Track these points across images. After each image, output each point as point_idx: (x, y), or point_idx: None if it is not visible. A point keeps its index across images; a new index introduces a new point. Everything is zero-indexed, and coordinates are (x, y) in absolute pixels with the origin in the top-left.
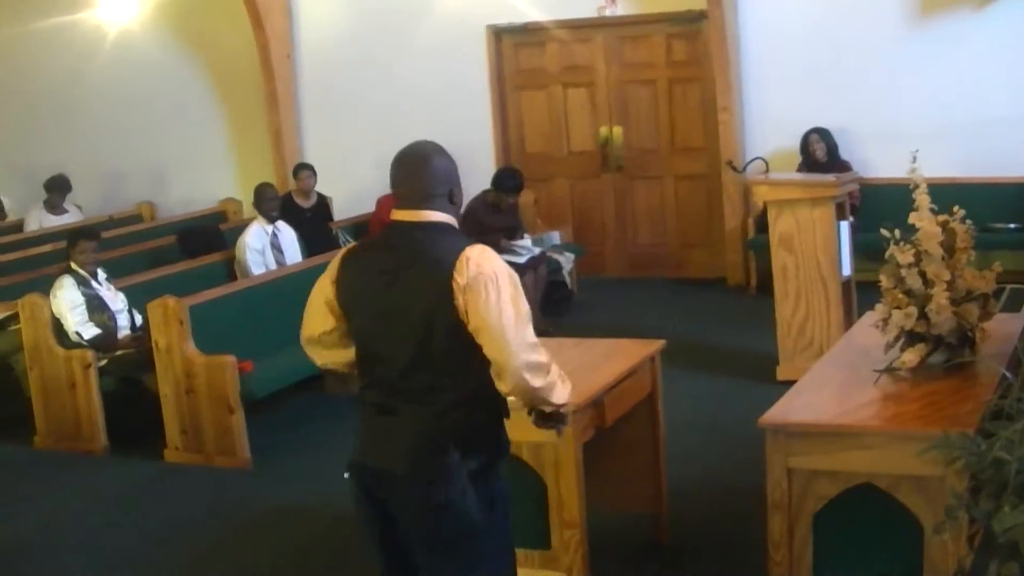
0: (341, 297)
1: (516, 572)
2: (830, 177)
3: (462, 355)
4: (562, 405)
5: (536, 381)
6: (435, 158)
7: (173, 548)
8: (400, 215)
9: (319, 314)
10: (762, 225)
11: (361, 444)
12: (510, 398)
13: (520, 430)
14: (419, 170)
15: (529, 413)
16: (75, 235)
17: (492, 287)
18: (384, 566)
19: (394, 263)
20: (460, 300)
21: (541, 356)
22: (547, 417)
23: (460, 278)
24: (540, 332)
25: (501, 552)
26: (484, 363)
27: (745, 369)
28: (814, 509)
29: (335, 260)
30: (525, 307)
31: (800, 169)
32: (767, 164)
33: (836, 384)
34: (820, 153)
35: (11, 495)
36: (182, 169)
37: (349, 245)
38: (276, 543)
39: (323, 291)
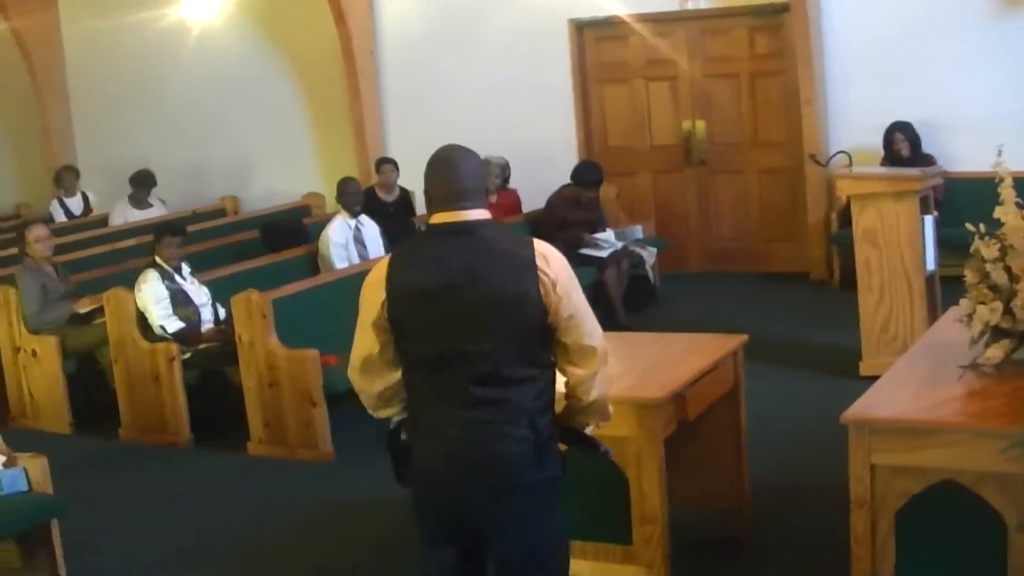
0: (394, 313)
1: None
2: (914, 171)
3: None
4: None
5: (611, 369)
6: (468, 158)
7: (255, 540)
8: (442, 217)
9: (370, 334)
10: (845, 219)
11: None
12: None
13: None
14: (454, 170)
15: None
16: (160, 230)
17: (572, 277)
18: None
19: (461, 263)
20: (550, 292)
21: None
22: (589, 442)
23: (548, 270)
24: (622, 327)
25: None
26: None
27: (828, 364)
28: (897, 506)
29: (379, 277)
30: None
31: (883, 163)
32: (850, 158)
33: (920, 380)
34: (903, 148)
35: (96, 486)
36: (265, 163)
37: (385, 258)
38: (357, 536)
39: (370, 311)
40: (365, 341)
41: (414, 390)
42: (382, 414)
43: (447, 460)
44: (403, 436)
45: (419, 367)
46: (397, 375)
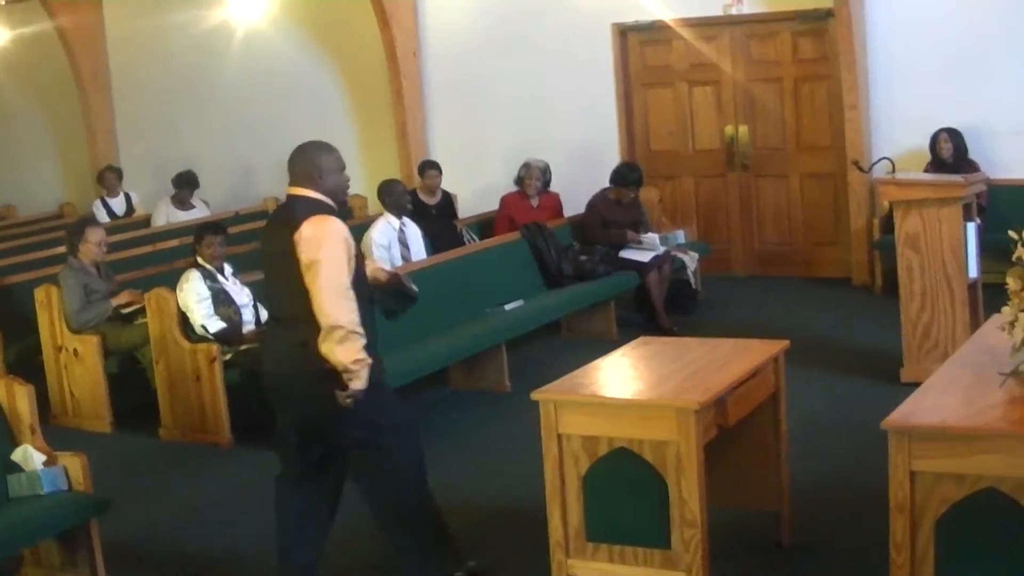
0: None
1: None
2: (957, 177)
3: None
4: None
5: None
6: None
7: None
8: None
9: None
10: (888, 225)
11: None
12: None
13: (641, 428)
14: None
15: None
16: (201, 230)
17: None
18: None
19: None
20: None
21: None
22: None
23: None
24: (664, 331)
25: None
26: None
27: (869, 370)
28: (937, 513)
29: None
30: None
31: (927, 169)
32: (893, 164)
33: (962, 386)
34: (947, 153)
35: (137, 485)
36: None
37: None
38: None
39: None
40: None
41: None
42: None
43: None
44: None
45: None
46: None
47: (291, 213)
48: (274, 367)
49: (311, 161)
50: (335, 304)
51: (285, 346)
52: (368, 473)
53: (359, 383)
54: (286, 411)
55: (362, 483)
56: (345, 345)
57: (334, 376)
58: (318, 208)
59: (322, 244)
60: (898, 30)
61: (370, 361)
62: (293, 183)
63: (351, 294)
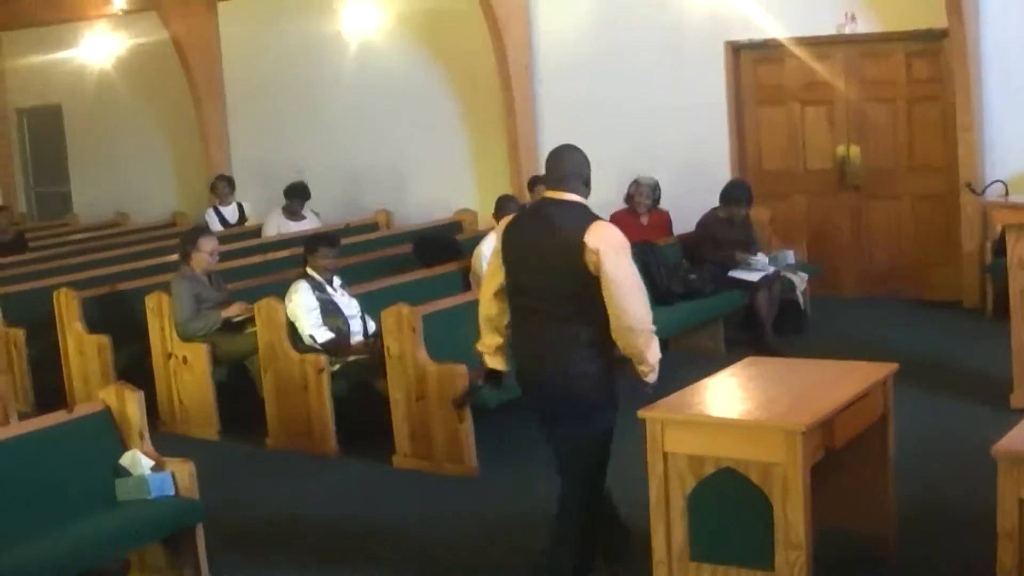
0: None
1: None
2: None
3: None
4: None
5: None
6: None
7: (399, 551)
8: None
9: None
10: (1000, 248)
11: None
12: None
13: (748, 449)
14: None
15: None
16: (315, 241)
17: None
18: None
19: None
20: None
21: None
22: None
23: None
24: (772, 351)
25: None
26: None
27: (979, 394)
28: None
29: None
30: None
31: None
32: (1007, 187)
33: None
34: None
35: (244, 493)
36: (420, 177)
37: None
38: (498, 551)
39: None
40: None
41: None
42: None
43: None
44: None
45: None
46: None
47: (570, 216)
48: (537, 362)
49: (581, 168)
50: (640, 306)
51: (559, 342)
52: (570, 461)
53: (654, 377)
54: (537, 390)
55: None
56: (652, 346)
57: (600, 374)
58: (592, 214)
59: (619, 250)
60: (1013, 51)
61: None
62: (560, 187)
63: (647, 297)
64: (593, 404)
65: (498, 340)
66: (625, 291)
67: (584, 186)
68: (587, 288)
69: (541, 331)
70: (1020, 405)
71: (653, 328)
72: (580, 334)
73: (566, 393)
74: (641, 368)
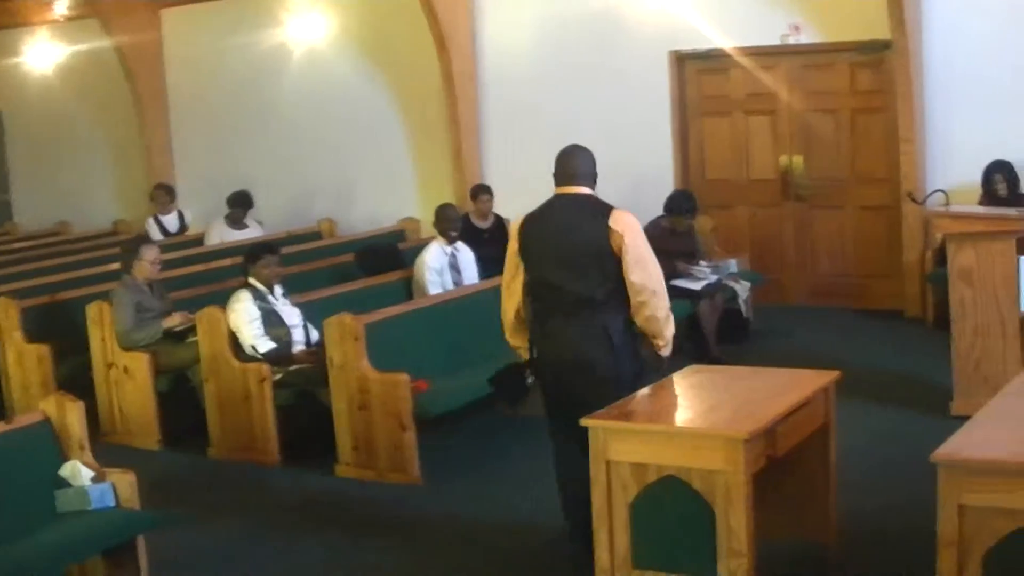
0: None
1: None
2: (1012, 211)
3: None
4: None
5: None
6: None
7: (342, 561)
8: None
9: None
10: (941, 258)
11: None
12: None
13: (691, 457)
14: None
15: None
16: (258, 249)
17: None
18: None
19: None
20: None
21: None
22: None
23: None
24: (715, 360)
25: None
26: None
27: (919, 402)
28: (986, 546)
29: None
30: None
31: (981, 203)
32: (947, 197)
33: (1012, 420)
34: (1002, 188)
35: (186, 504)
36: (365, 187)
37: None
38: (445, 561)
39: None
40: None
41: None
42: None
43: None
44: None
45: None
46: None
47: (590, 206)
48: (565, 350)
49: (590, 166)
50: (660, 281)
51: (587, 327)
52: None
53: (668, 351)
54: (564, 382)
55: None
56: (670, 323)
57: (623, 352)
58: (607, 203)
59: (638, 231)
60: (955, 63)
61: None
62: (573, 182)
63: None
64: (618, 382)
65: (526, 339)
66: (645, 265)
67: (593, 182)
68: (613, 271)
69: (567, 320)
70: (961, 413)
71: (668, 305)
72: (606, 319)
73: (593, 376)
74: (657, 342)
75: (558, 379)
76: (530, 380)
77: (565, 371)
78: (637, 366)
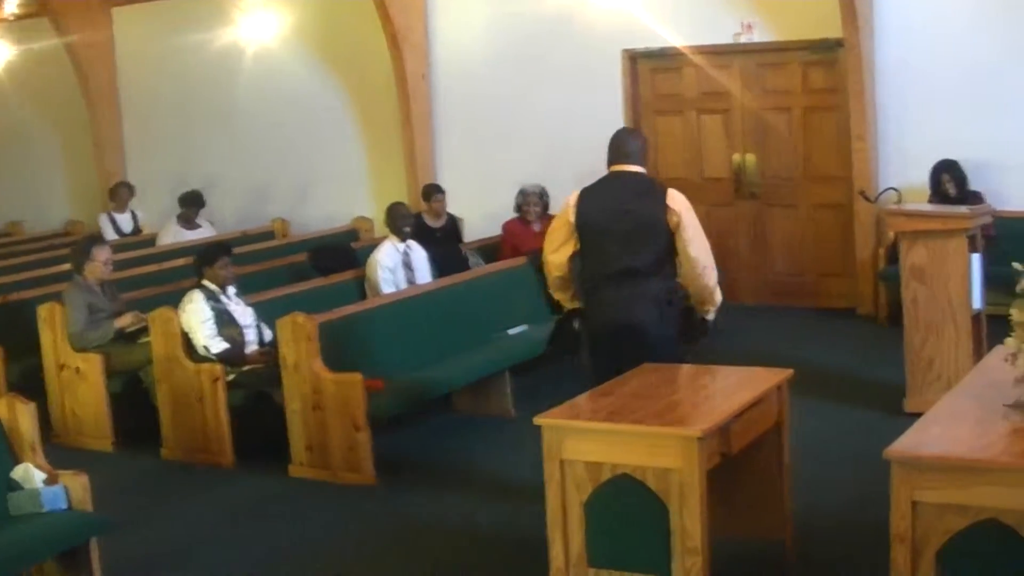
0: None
1: None
2: (963, 209)
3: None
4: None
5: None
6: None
7: (299, 564)
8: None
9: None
10: (894, 256)
11: None
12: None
13: (644, 455)
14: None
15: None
16: (214, 250)
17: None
18: None
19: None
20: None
21: None
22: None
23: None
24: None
25: None
26: None
27: (873, 400)
28: (939, 544)
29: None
30: None
31: (931, 202)
32: (899, 195)
33: (964, 418)
34: (950, 188)
35: (138, 505)
36: (319, 186)
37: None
38: (400, 561)
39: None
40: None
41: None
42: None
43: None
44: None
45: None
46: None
47: (646, 185)
48: (625, 313)
49: (643, 147)
50: (712, 260)
51: (639, 294)
52: None
53: (714, 315)
54: (618, 344)
55: None
56: (718, 291)
57: (670, 316)
58: (662, 184)
59: (691, 210)
60: (908, 62)
61: None
62: (629, 161)
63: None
64: (667, 342)
65: (571, 290)
66: (701, 242)
67: (645, 162)
68: (664, 244)
69: (620, 287)
70: (914, 410)
71: (717, 276)
72: (656, 287)
73: (645, 337)
74: (707, 307)
75: (614, 339)
76: (577, 326)
77: (620, 333)
78: (679, 328)
